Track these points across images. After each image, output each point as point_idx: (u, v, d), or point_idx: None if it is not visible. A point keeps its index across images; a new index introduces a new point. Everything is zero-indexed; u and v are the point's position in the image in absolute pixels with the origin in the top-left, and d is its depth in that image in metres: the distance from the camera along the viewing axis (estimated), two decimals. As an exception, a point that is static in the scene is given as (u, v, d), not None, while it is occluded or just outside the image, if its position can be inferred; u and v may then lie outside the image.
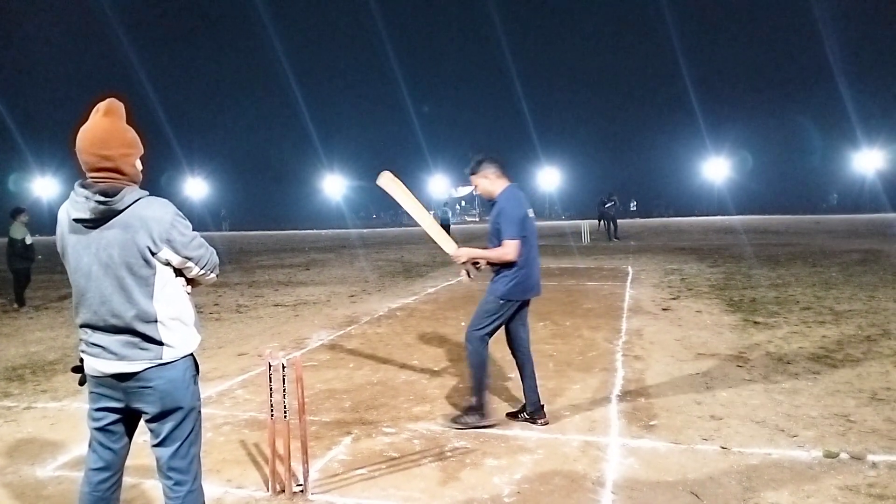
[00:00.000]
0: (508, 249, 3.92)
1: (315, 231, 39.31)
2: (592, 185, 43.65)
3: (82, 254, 2.23)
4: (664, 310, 8.29)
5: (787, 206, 43.39)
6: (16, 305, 9.82)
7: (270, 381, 3.28)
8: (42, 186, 50.35)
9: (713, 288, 10.09)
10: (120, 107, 2.30)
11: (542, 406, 4.25)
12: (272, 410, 3.26)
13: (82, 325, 2.29)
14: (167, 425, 2.28)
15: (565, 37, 69.67)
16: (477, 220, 51.74)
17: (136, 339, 2.21)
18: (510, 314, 4.10)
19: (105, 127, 2.23)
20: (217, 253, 2.48)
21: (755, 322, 7.27)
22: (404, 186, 4.23)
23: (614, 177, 46.44)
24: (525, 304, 4.23)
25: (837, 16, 49.70)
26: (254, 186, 55.78)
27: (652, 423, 4.19)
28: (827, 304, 8.29)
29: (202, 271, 2.36)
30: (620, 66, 64.31)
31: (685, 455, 3.66)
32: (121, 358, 2.21)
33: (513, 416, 4.31)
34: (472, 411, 4.16)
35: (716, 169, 48.63)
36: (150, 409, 2.26)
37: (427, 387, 5.16)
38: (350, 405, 4.74)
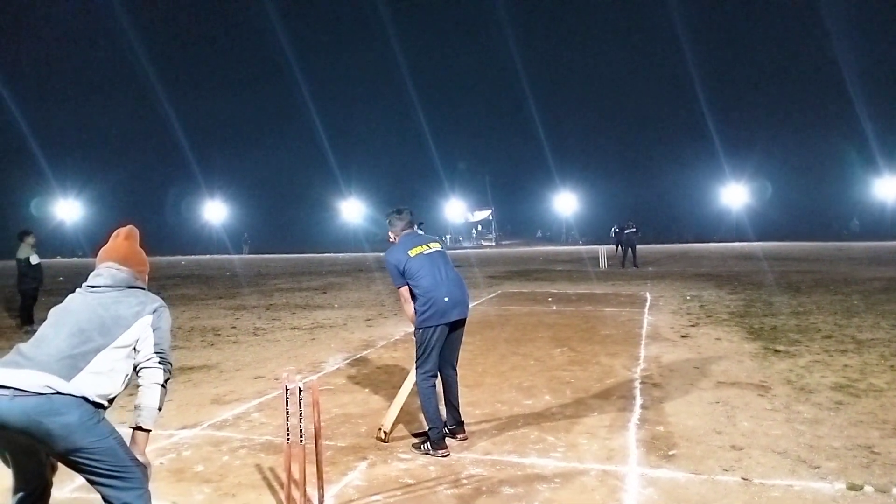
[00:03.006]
0: (401, 298, 4.42)
1: (333, 255, 39.51)
2: (609, 210, 43.47)
3: (77, 303, 2.58)
4: (683, 337, 8.21)
5: (808, 232, 42.93)
6: (25, 327, 9.94)
7: (287, 405, 3.28)
8: (65, 209, 51.13)
9: (733, 315, 9.98)
10: (136, 232, 2.88)
11: (463, 422, 4.50)
12: (288, 434, 3.26)
13: (23, 348, 2.41)
14: (75, 461, 2.33)
15: (582, 62, 70.03)
16: (493, 244, 51.69)
17: (59, 362, 2.34)
18: (439, 339, 4.26)
19: (125, 248, 2.79)
20: (169, 378, 2.62)
21: (776, 350, 7.17)
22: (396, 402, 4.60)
23: (631, 202, 46.28)
24: (453, 327, 4.35)
25: (859, 43, 49.57)
26: (273, 210, 56.25)
27: (671, 452, 4.13)
28: (849, 332, 8.17)
29: (154, 357, 2.52)
30: (638, 92, 64.41)
31: (705, 486, 3.60)
32: (34, 367, 2.30)
33: None
34: (427, 439, 4.24)
35: (735, 195, 48.33)
36: (53, 450, 2.32)
37: (442, 412, 5.13)
38: (366, 430, 4.73)
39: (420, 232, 4.64)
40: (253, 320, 10.76)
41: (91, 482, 2.38)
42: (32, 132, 46.44)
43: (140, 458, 2.45)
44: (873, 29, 53.47)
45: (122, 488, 2.36)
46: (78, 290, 2.66)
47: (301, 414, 3.26)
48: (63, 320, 2.50)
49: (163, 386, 2.53)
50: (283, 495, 3.43)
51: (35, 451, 2.40)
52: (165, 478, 3.85)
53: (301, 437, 3.25)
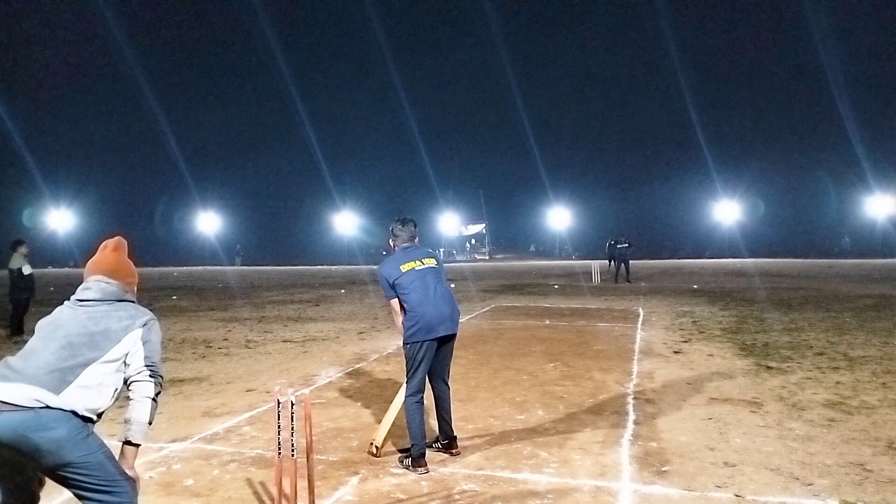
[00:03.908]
0: (392, 312, 4.46)
1: (326, 267, 39.44)
2: (603, 225, 43.66)
3: (66, 317, 2.55)
4: (676, 353, 8.21)
5: (800, 249, 43.18)
6: (15, 337, 9.85)
7: (279, 419, 3.26)
8: (57, 219, 50.92)
9: (725, 331, 10.00)
10: (125, 243, 2.84)
11: (455, 437, 4.50)
12: (279, 448, 3.24)
13: (11, 361, 2.40)
14: (63, 476, 2.32)
15: (576, 78, 70.44)
16: (487, 258, 51.75)
17: (50, 374, 2.33)
18: (426, 355, 4.28)
19: (114, 260, 2.76)
20: (160, 390, 2.59)
21: (768, 367, 7.18)
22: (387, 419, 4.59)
23: (624, 217, 46.48)
24: (441, 343, 4.36)
25: (850, 62, 50.07)
26: (267, 222, 56.16)
27: (664, 468, 4.12)
28: (841, 349, 8.19)
29: (145, 370, 2.51)
30: (632, 108, 64.80)
31: (698, 502, 3.59)
32: (26, 380, 2.29)
33: (427, 446, 4.43)
34: (408, 455, 4.23)
35: (727, 211, 48.59)
36: (38, 464, 2.31)
37: (435, 427, 5.10)
38: (358, 444, 4.70)
39: (418, 245, 4.65)
40: (245, 332, 10.70)
41: (79, 497, 2.35)
42: (25, 142, 46.35)
43: (129, 473, 2.42)
44: (865, 48, 54.11)
45: (110, 503, 2.34)
46: (66, 303, 2.63)
47: (292, 428, 3.24)
48: (52, 334, 2.47)
49: (154, 400, 2.51)
50: (273, 510, 3.40)
51: (22, 465, 2.37)
52: (155, 491, 3.81)
53: (292, 451, 3.23)
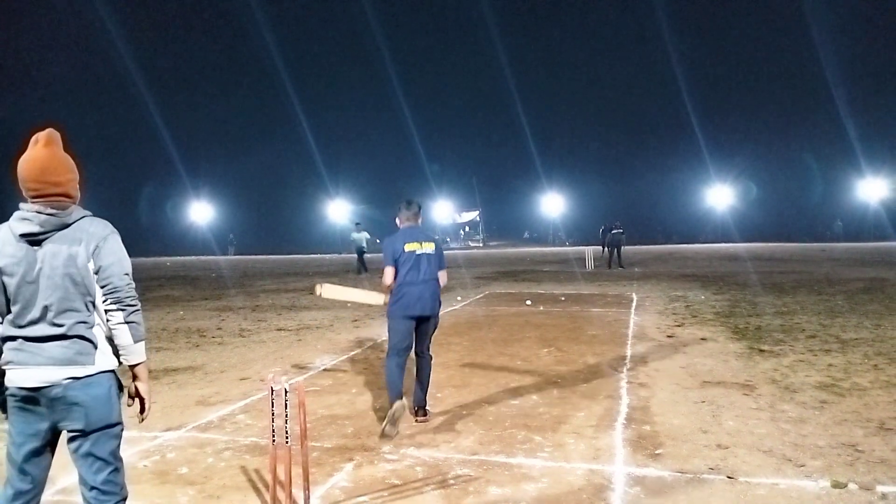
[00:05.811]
0: (383, 275, 4.90)
1: (320, 255, 39.36)
2: (596, 211, 43.66)
3: (27, 267, 2.34)
4: (669, 337, 8.24)
5: (792, 233, 43.36)
6: None
7: (273, 406, 3.26)
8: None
9: (718, 315, 10.04)
10: (58, 136, 2.47)
11: (424, 406, 4.96)
12: (274, 436, 3.24)
13: (11, 337, 2.34)
14: (91, 442, 2.35)
15: (568, 64, 70.29)
16: (481, 245, 51.74)
17: (73, 345, 2.32)
18: (406, 328, 4.80)
19: (50, 156, 2.41)
20: (139, 314, 2.45)
21: (761, 350, 7.22)
22: (339, 288, 5.36)
23: (618, 203, 46.49)
24: (420, 321, 4.85)
25: (842, 45, 50.05)
26: (259, 211, 55.97)
27: (657, 451, 4.14)
28: (833, 332, 8.24)
29: (107, 300, 2.37)
30: (624, 94, 64.69)
31: (691, 485, 3.61)
32: (55, 363, 2.29)
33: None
34: (388, 420, 4.53)
35: (720, 196, 48.66)
36: (76, 425, 2.33)
37: (429, 413, 5.13)
38: (352, 431, 4.71)
39: (420, 227, 5.08)
40: (239, 321, 10.69)
41: (86, 475, 2.39)
42: (19, 132, 45.93)
43: (143, 388, 2.47)
44: (856, 32, 54.09)
45: (114, 470, 2.42)
46: (10, 229, 2.36)
47: (287, 415, 3.24)
48: (34, 299, 2.32)
49: (126, 322, 2.38)
50: (268, 497, 3.40)
51: (47, 446, 2.42)
52: (149, 480, 3.81)
53: (287, 438, 3.22)
